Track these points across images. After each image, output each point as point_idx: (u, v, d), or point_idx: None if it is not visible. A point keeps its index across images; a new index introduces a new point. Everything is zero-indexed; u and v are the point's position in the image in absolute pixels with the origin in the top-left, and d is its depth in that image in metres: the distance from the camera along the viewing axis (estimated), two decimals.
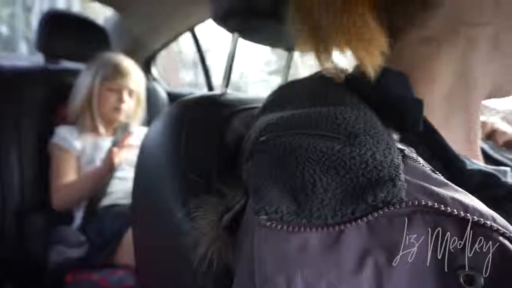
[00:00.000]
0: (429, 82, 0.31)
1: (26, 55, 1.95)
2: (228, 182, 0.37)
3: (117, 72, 1.15)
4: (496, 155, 0.39)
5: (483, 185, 0.28)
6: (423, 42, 0.30)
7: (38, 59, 1.33)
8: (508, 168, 0.32)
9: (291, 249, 0.21)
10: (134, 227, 0.46)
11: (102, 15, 1.65)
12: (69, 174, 1.09)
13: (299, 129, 0.26)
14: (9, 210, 1.11)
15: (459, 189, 0.23)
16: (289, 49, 0.67)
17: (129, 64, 1.19)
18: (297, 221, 0.22)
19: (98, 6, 1.49)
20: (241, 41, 0.58)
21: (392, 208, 0.21)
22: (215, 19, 0.55)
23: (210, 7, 0.54)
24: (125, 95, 1.16)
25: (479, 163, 0.32)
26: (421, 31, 0.30)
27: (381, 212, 0.21)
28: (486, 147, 0.40)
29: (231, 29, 0.55)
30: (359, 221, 0.21)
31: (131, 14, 1.55)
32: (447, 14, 0.28)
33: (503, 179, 0.28)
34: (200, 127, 0.43)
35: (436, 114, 0.31)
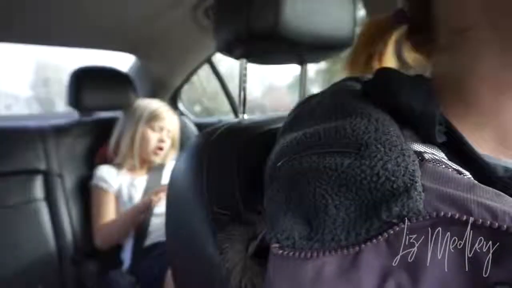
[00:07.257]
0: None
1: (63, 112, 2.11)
2: (257, 209, 0.37)
3: (158, 115, 1.29)
4: None
5: None
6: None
7: (73, 114, 1.43)
8: None
9: (306, 278, 0.20)
10: (171, 264, 0.47)
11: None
12: (108, 214, 1.18)
13: (309, 149, 0.25)
14: (65, 259, 1.18)
15: (488, 188, 0.20)
16: (302, 62, 0.66)
17: (166, 108, 1.34)
18: (310, 246, 0.21)
19: None
20: None
21: (409, 223, 0.19)
22: (220, 51, 0.56)
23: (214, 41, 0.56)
24: (165, 135, 1.29)
25: None
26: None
27: (398, 229, 0.19)
28: None
29: (237, 57, 0.57)
30: (375, 240, 0.19)
31: (150, 58, 1.63)
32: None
33: None
34: (220, 160, 0.43)
35: (467, 118, 0.28)
